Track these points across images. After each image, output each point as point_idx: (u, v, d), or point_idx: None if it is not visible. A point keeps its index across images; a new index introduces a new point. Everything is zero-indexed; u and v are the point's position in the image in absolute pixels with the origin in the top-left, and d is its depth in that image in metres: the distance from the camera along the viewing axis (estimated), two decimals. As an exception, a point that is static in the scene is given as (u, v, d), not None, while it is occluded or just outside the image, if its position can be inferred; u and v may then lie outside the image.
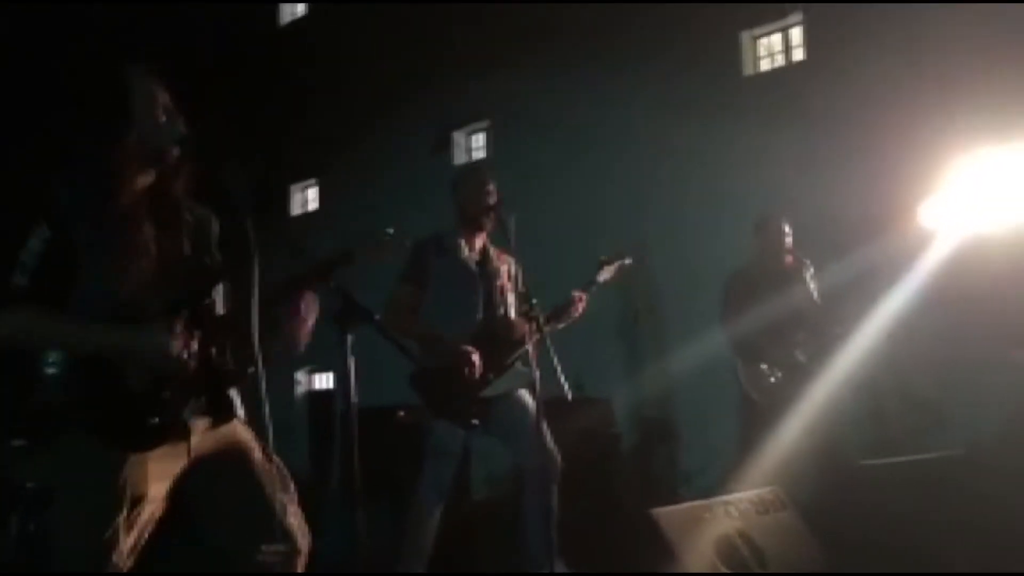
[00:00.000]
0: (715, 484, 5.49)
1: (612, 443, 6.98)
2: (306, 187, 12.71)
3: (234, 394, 2.62)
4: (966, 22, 6.89)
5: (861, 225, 6.73)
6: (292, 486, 2.59)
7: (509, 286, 4.68)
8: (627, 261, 4.81)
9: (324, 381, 12.27)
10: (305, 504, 2.67)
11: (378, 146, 10.98)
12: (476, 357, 4.36)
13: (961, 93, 6.66)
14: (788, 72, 8.65)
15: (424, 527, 4.43)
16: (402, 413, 5.81)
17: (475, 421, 4.35)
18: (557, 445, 4.43)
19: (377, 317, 2.58)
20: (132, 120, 2.53)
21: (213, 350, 2.53)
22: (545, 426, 4.33)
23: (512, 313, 4.60)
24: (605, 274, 4.75)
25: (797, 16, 8.59)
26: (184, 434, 2.49)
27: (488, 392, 4.42)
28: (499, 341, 4.50)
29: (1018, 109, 6.31)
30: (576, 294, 4.61)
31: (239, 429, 2.63)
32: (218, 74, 11.63)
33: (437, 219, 4.80)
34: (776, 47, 8.95)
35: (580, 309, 4.60)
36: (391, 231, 2.77)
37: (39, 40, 10.40)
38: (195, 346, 2.47)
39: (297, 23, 12.91)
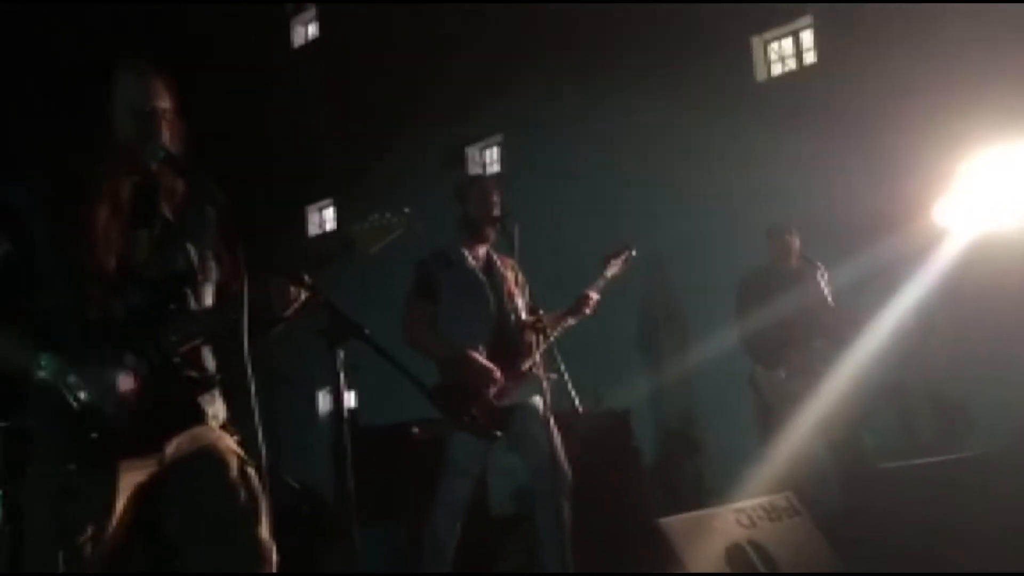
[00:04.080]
0: (741, 495, 5.41)
1: (632, 457, 6.85)
2: (322, 207, 12.73)
3: (208, 402, 2.51)
4: (977, 19, 6.82)
5: (876, 225, 6.65)
6: (263, 503, 2.47)
7: (517, 291, 4.65)
8: (632, 252, 4.73)
9: (346, 400, 12.24)
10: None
11: (393, 163, 10.97)
12: (499, 374, 4.36)
13: (972, 91, 6.58)
14: (800, 76, 8.59)
15: (442, 548, 4.40)
16: (416, 429, 5.76)
17: (498, 433, 4.29)
18: (572, 459, 4.39)
19: (368, 332, 2.53)
20: (109, 126, 2.39)
21: (177, 360, 2.40)
22: (558, 439, 4.30)
23: (523, 315, 4.56)
24: (612, 269, 4.66)
25: (807, 19, 8.53)
26: (147, 446, 2.38)
27: (506, 401, 4.41)
28: (513, 349, 4.49)
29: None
30: (587, 292, 4.55)
31: (219, 439, 2.52)
32: (232, 97, 11.69)
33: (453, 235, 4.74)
34: (787, 51, 8.88)
35: (592, 307, 4.54)
36: (407, 210, 2.73)
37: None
38: (149, 366, 2.34)
39: (310, 44, 12.96)
